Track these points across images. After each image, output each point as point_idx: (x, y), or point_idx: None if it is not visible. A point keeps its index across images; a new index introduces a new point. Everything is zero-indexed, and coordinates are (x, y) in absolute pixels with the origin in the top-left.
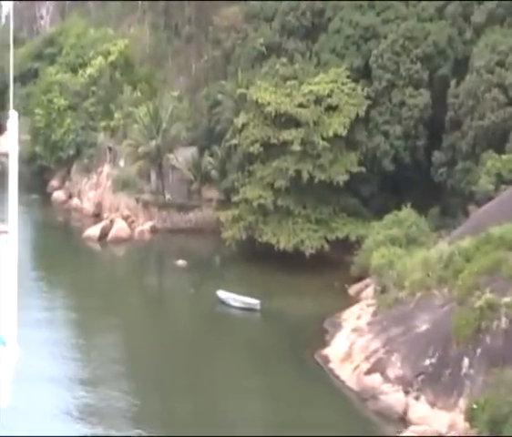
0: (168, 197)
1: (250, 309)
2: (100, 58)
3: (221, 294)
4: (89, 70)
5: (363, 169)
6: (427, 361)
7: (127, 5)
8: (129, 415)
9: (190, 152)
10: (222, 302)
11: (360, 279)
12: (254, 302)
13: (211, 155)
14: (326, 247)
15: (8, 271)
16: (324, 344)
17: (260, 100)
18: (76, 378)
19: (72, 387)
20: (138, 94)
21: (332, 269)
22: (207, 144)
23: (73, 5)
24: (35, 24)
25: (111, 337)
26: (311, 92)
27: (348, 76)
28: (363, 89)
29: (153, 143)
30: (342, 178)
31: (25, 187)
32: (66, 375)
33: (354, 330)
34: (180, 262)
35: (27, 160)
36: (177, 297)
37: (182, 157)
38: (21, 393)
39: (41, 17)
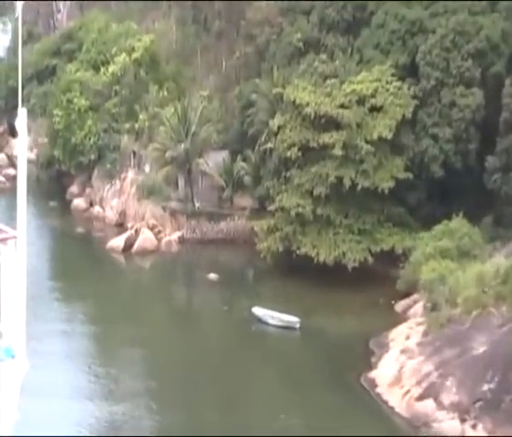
0: (197, 205)
1: (288, 328)
2: (124, 55)
3: (257, 311)
4: (112, 68)
5: (410, 175)
6: (485, 387)
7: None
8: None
9: (221, 156)
10: (258, 320)
11: (407, 294)
12: (294, 320)
13: (244, 159)
14: (370, 260)
15: (17, 279)
16: (370, 366)
17: (297, 100)
18: (94, 394)
19: (90, 403)
20: (165, 93)
21: (377, 283)
22: (239, 148)
23: None
24: (52, 18)
25: (135, 352)
26: (353, 91)
27: (393, 75)
28: (409, 88)
29: (181, 147)
30: (387, 185)
31: (42, 193)
32: (84, 390)
33: (403, 351)
34: (212, 276)
35: (45, 165)
36: (208, 313)
37: (213, 161)
38: (31, 408)
39: (58, 11)
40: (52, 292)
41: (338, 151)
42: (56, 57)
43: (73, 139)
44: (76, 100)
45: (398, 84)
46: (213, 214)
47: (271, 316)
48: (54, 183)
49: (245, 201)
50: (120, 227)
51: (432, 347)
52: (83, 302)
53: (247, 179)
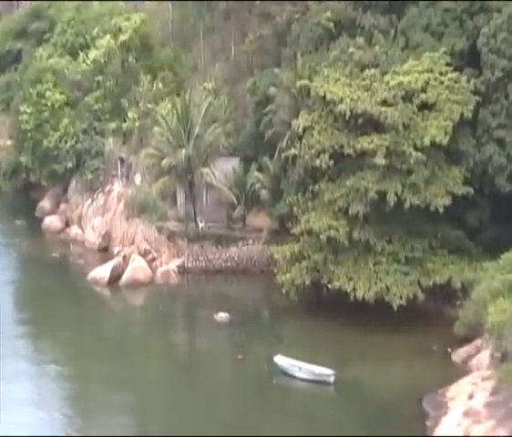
0: (201, 225)
1: (320, 382)
2: (108, 38)
3: (281, 361)
4: (94, 53)
5: (471, 190)
6: None
7: None
8: None
9: (231, 165)
10: (282, 372)
11: (467, 340)
12: (327, 373)
13: (260, 169)
14: (420, 296)
15: None
16: (425, 433)
17: (328, 95)
18: None
19: None
20: (160, 85)
21: (428, 325)
22: (253, 154)
23: None
24: None
25: (124, 420)
26: (399, 85)
27: (448, 64)
28: (468, 81)
29: (182, 153)
30: (441, 202)
31: (6, 208)
32: None
33: (467, 413)
34: (221, 316)
35: (9, 173)
36: (218, 364)
37: (221, 171)
38: None
39: None
40: (17, 338)
41: (380, 160)
42: (22, 40)
43: (45, 142)
44: (48, 94)
45: (454, 75)
46: (221, 237)
47: (298, 367)
48: (20, 196)
49: (261, 221)
50: (104, 252)
51: (504, 408)
52: (56, 354)
53: (264, 194)
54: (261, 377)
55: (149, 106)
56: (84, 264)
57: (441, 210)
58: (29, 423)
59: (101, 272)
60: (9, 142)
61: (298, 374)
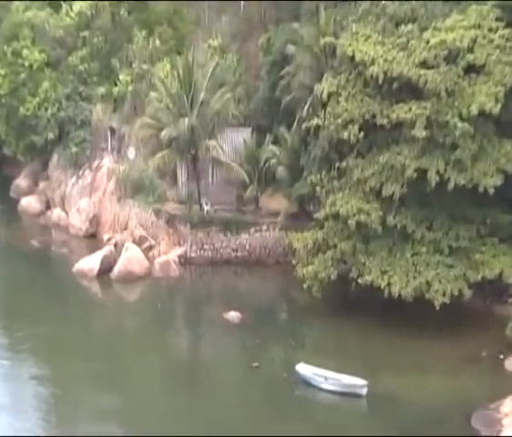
0: (206, 208)
1: (350, 394)
2: None
3: (303, 369)
4: (79, 5)
5: None
6: None
7: None
8: None
9: (241, 137)
10: (305, 382)
11: None
12: (358, 383)
13: (276, 141)
14: (467, 292)
15: None
16: None
17: (358, 56)
18: None
19: None
20: (157, 43)
21: (477, 327)
22: (268, 124)
23: None
24: None
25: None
26: (441, 43)
27: (498, 18)
28: None
29: (185, 122)
30: (491, 182)
31: None
32: None
33: None
34: (232, 315)
35: None
36: (230, 372)
37: (230, 144)
38: None
39: None
40: None
41: (420, 132)
42: None
43: (21, 109)
44: (25, 52)
45: (506, 32)
46: (230, 222)
47: (324, 377)
48: None
49: (277, 203)
50: (92, 239)
51: None
52: (36, 355)
53: (280, 171)
54: (281, 388)
55: (145, 66)
56: (68, 253)
57: (491, 191)
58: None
59: (89, 263)
60: None
61: (324, 385)
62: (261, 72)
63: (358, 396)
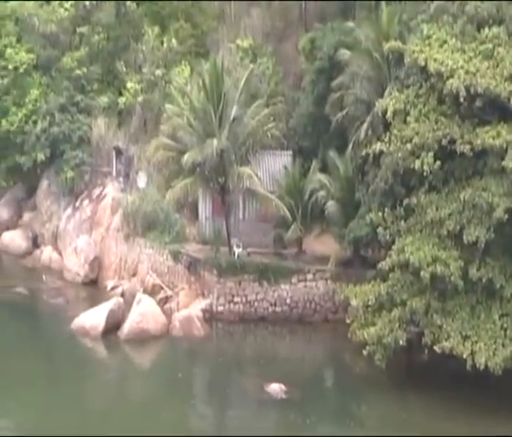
0: (237, 251)
1: None
2: None
3: None
4: None
5: None
6: None
7: None
8: None
9: (281, 163)
10: None
11: None
12: None
13: (324, 169)
14: None
15: None
16: None
17: (432, 66)
18: None
19: None
20: (173, 42)
21: None
22: (312, 147)
23: None
24: None
25: None
26: None
27: None
28: None
29: (213, 145)
30: None
31: None
32: None
33: None
34: (275, 388)
35: None
36: None
37: (266, 171)
38: None
39: None
40: None
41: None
42: None
43: (4, 123)
44: (9, 52)
45: None
46: (267, 269)
47: None
48: None
49: (326, 247)
50: (92, 287)
51: None
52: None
53: (330, 206)
54: None
55: (158, 72)
56: (64, 304)
57: None
58: None
59: (92, 318)
60: None
61: None
62: (302, 82)
63: None
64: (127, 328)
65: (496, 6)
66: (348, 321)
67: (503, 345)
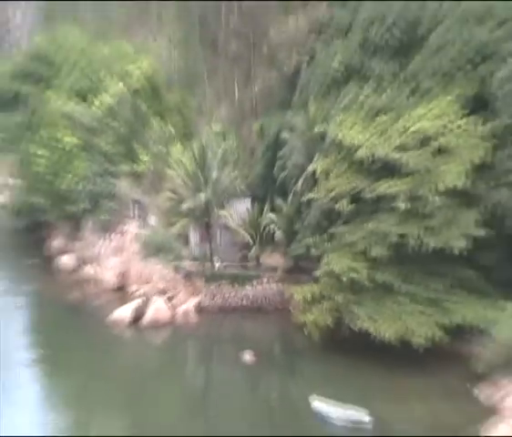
0: (217, 265)
1: (356, 428)
2: (121, 85)
3: (319, 405)
4: (107, 99)
5: (482, 232)
6: None
7: (135, 10)
8: None
9: (245, 206)
10: (320, 417)
11: (481, 377)
12: (363, 418)
13: (273, 209)
14: (439, 335)
15: None
16: None
17: (347, 141)
18: None
19: None
20: (171, 129)
21: (446, 364)
22: (263, 194)
23: (57, 7)
24: (8, 34)
25: None
26: (415, 132)
27: (459, 108)
28: (482, 124)
29: (202, 197)
30: (458, 245)
31: (16, 247)
32: None
33: None
34: (246, 355)
35: (19, 212)
36: (259, 407)
37: (235, 212)
38: None
39: (16, 25)
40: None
41: (401, 204)
42: (21, 81)
43: (58, 183)
44: (60, 136)
45: (466, 120)
46: (237, 276)
47: (335, 411)
48: (28, 234)
49: (275, 260)
50: (120, 292)
51: None
52: (80, 407)
53: (278, 235)
54: (301, 421)
55: (161, 148)
56: (103, 305)
57: (456, 252)
58: None
59: (122, 313)
60: (18, 181)
61: (336, 419)
62: (255, 152)
63: (362, 429)
64: (146, 319)
65: (387, 100)
66: (292, 310)
67: (399, 325)
